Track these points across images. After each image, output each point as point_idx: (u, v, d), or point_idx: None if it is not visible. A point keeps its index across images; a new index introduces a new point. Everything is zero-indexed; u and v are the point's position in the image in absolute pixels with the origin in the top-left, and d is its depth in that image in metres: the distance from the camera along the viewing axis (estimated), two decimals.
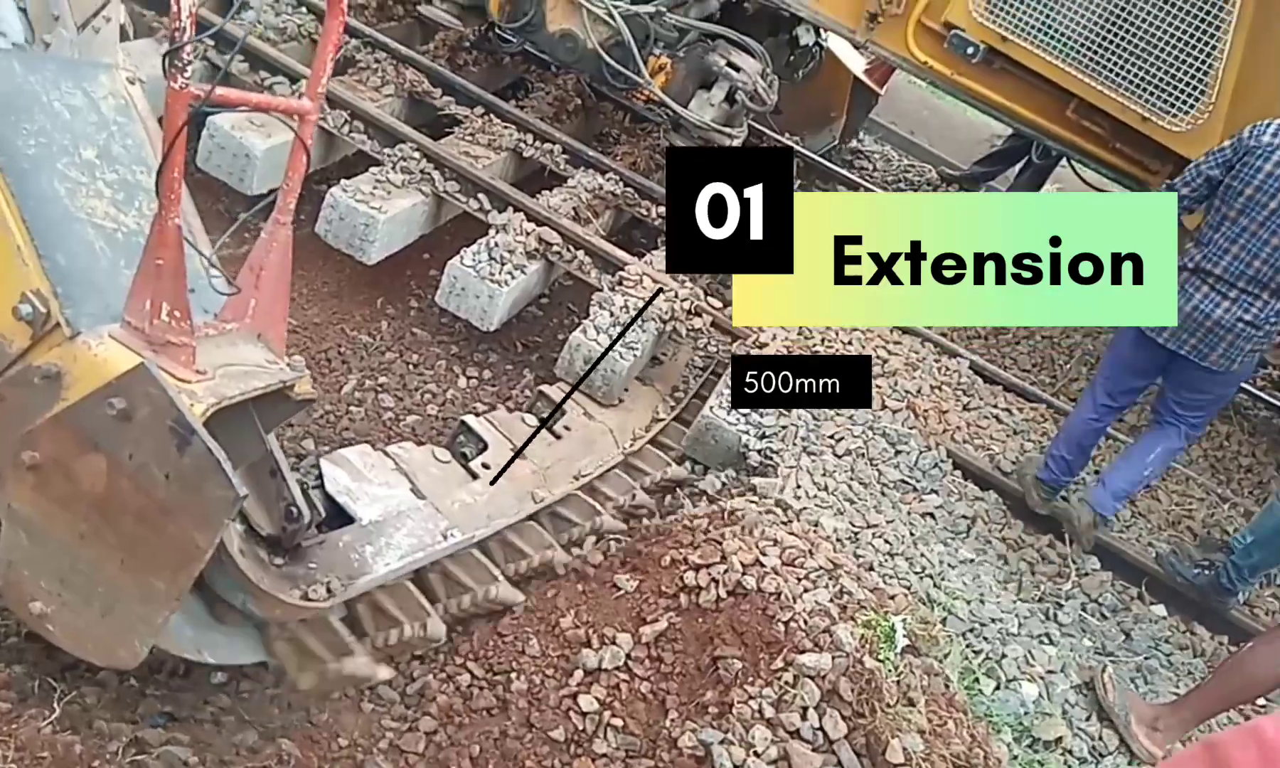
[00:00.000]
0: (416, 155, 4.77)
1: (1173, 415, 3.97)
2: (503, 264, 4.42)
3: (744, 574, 2.98)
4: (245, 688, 2.71)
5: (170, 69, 1.86)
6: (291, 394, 2.39)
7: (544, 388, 4.05)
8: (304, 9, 5.68)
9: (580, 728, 2.59)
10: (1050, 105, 5.37)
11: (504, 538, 3.26)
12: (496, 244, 4.48)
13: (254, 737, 2.47)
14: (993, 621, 3.36)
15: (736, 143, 5.67)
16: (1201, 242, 3.64)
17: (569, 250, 4.64)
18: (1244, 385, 5.09)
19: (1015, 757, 2.87)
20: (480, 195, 4.75)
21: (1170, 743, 3.05)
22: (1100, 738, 3.06)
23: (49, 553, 2.11)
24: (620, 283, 4.50)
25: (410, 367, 4.51)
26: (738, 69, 5.33)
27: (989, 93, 5.41)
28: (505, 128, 5.47)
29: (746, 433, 3.99)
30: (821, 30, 6.22)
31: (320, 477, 2.89)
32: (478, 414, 3.76)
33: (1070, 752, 2.97)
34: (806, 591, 2.99)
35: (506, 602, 3.05)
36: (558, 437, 3.83)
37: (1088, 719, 3.12)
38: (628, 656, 2.75)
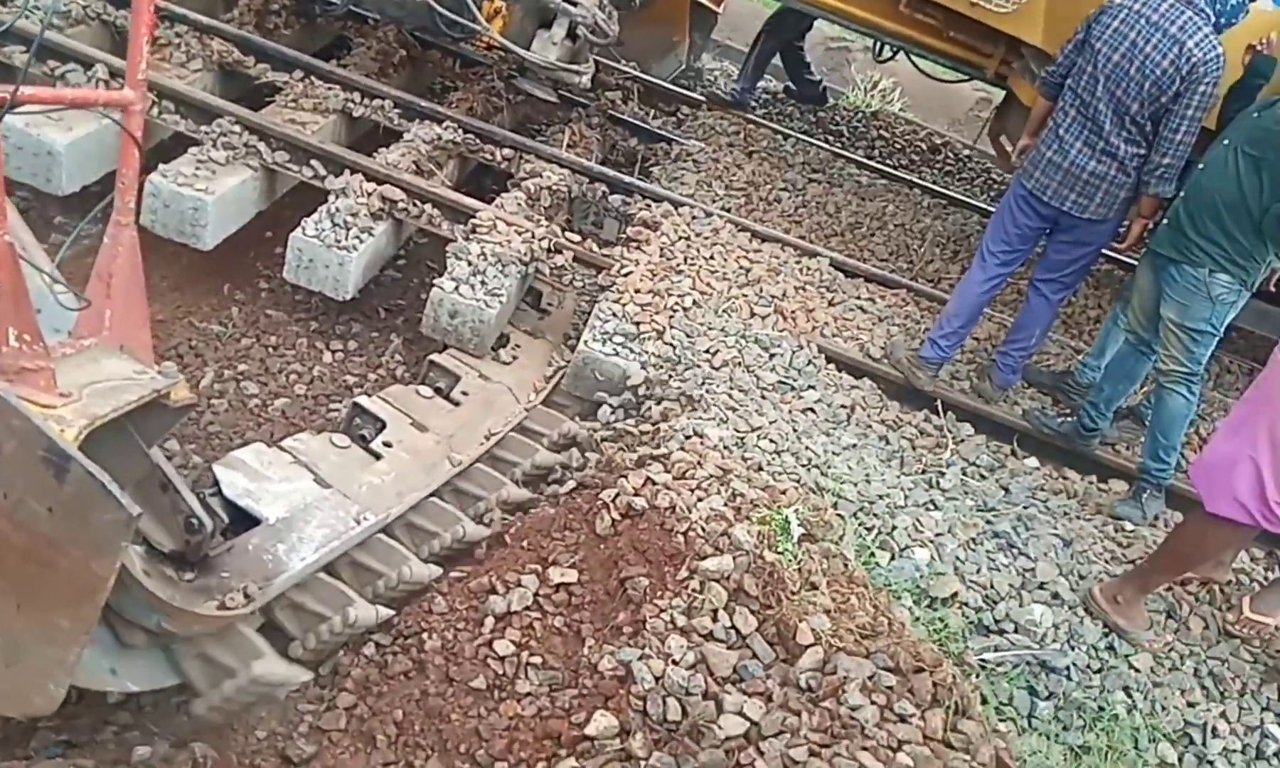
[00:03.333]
0: (237, 129, 4.47)
1: (1049, 284, 4.28)
2: (348, 229, 4.22)
3: (636, 495, 2.98)
4: (146, 700, 2.54)
5: None
6: (168, 402, 2.25)
7: (434, 357, 3.92)
8: None
9: (500, 672, 2.55)
10: (883, 4, 5.46)
11: (409, 522, 3.12)
12: (338, 209, 4.26)
13: (164, 747, 2.33)
14: (880, 497, 3.46)
15: (585, 80, 5.57)
16: (1071, 105, 3.95)
17: (415, 206, 4.46)
18: None
19: (917, 618, 2.99)
20: (313, 161, 4.50)
21: (1134, 609, 3.24)
22: (992, 587, 3.22)
23: None
24: (474, 231, 4.36)
25: (270, 350, 4.28)
26: (575, 3, 5.21)
27: None
28: (329, 89, 5.19)
29: (625, 360, 3.96)
30: None
31: (216, 483, 2.76)
32: (369, 394, 3.63)
33: (966, 604, 3.11)
34: (700, 500, 3.01)
35: (422, 581, 2.91)
36: (456, 404, 3.72)
37: (977, 573, 3.27)
38: (535, 594, 2.71)
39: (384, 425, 3.36)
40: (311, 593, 2.68)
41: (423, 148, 4.97)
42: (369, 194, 4.36)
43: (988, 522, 3.53)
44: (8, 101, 1.75)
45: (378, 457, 3.21)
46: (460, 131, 5.27)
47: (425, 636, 2.64)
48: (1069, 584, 3.30)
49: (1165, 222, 3.86)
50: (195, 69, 5.02)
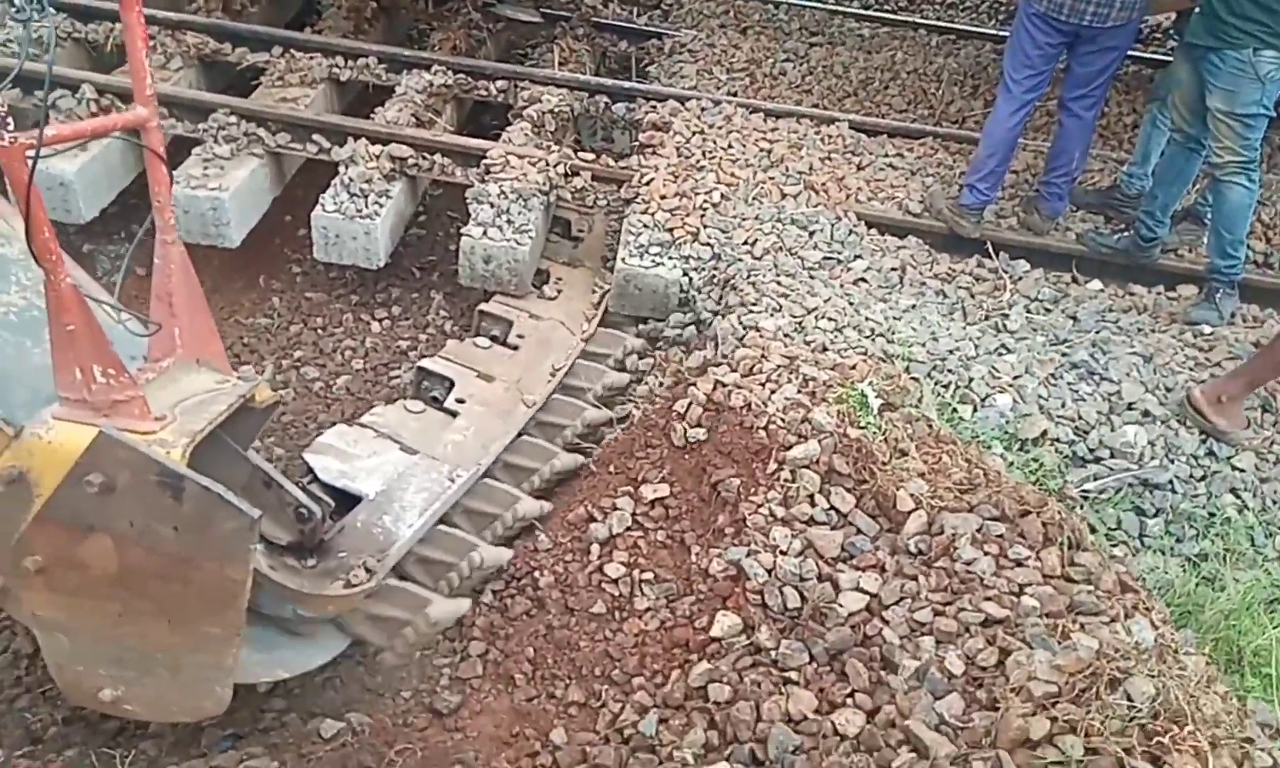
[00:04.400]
0: (234, 120, 4.39)
1: (1080, 101, 4.09)
2: (365, 197, 4.15)
3: (708, 401, 2.96)
4: (294, 683, 2.62)
5: None
6: (254, 404, 2.29)
7: (482, 307, 3.90)
8: (52, 9, 5.07)
9: (617, 594, 2.59)
10: None
11: (505, 463, 3.17)
12: (351, 179, 4.19)
13: (323, 723, 2.42)
14: (950, 352, 3.40)
15: None
16: None
17: (424, 158, 4.37)
18: None
19: (1011, 463, 2.96)
20: (315, 136, 4.41)
21: (1235, 408, 3.16)
22: (1080, 417, 3.17)
23: (93, 643, 2.05)
24: (488, 172, 4.27)
25: (319, 332, 4.29)
26: None
27: None
28: (311, 59, 5.07)
29: (666, 269, 3.89)
30: None
31: (310, 471, 2.82)
32: (426, 355, 3.64)
33: (1057, 439, 3.07)
34: (773, 391, 2.98)
35: (534, 515, 2.97)
36: (515, 348, 3.71)
37: (1062, 406, 3.21)
38: (633, 515, 2.72)
39: (452, 383, 3.37)
40: (438, 545, 2.75)
41: (417, 98, 4.85)
42: (377, 157, 4.28)
43: (1063, 354, 3.45)
44: (36, 146, 1.71)
45: (454, 414, 3.24)
46: (450, 73, 5.13)
47: (538, 574, 2.68)
48: (1157, 399, 3.23)
49: (1197, 11, 3.66)
50: (176, 68, 4.92)
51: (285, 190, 4.66)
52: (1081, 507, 2.87)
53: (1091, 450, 3.06)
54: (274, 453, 3.44)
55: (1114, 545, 2.79)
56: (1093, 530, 2.79)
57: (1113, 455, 3.04)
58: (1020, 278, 4.08)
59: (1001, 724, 1.92)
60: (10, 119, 1.69)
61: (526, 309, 3.96)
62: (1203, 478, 3.02)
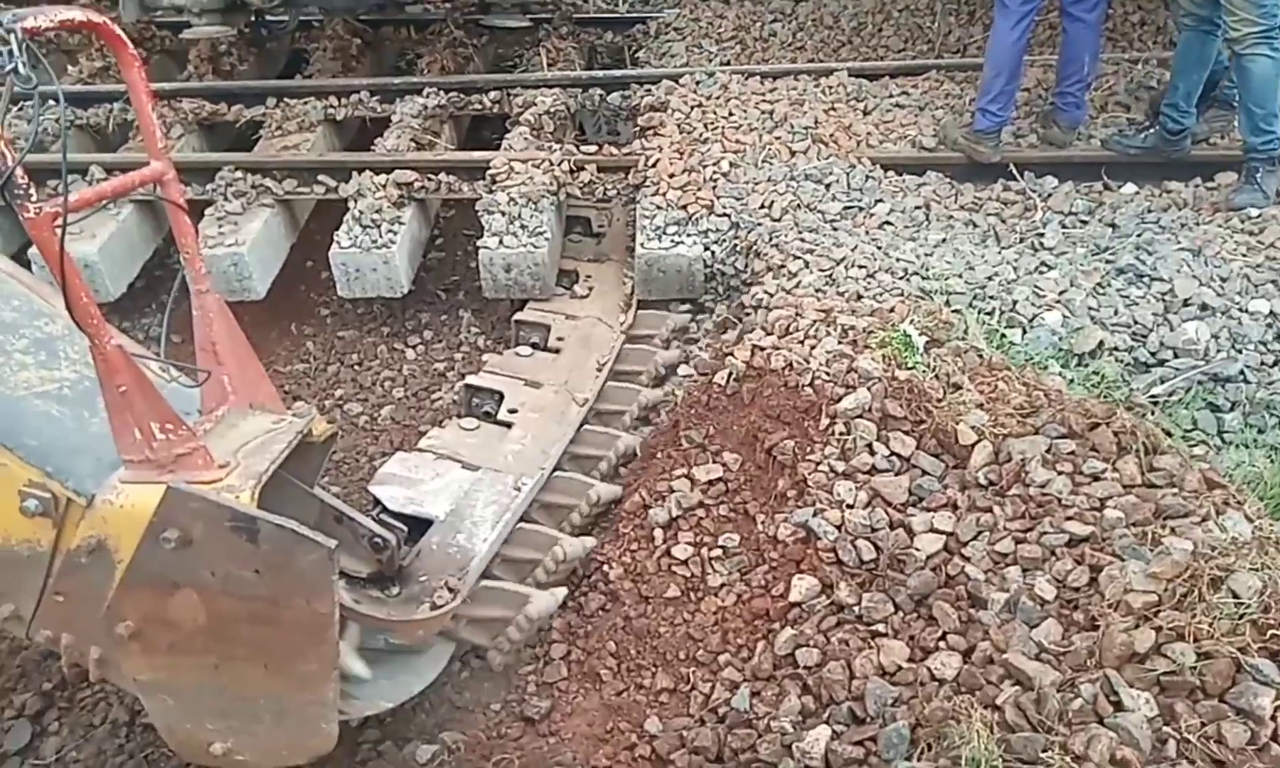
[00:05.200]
0: (240, 175, 4.41)
1: (1080, 4, 3.98)
2: (378, 227, 4.15)
3: (747, 367, 2.90)
4: (386, 714, 2.62)
5: (15, 200, 1.65)
6: (313, 439, 2.29)
7: (517, 316, 3.88)
8: (51, 101, 5.14)
9: (689, 575, 2.54)
10: None
11: (571, 454, 3.20)
12: (361, 212, 4.19)
13: (418, 747, 2.41)
14: (990, 279, 3.31)
15: None
16: None
17: (429, 180, 4.36)
18: None
19: (1071, 380, 2.86)
20: (320, 176, 4.42)
21: None
22: (1135, 322, 3.06)
23: (196, 698, 2.06)
24: (494, 181, 4.24)
25: (356, 368, 4.32)
26: None
27: None
28: (305, 104, 5.08)
29: (687, 247, 3.83)
30: None
31: (378, 502, 2.85)
32: (465, 373, 3.68)
33: (1115, 348, 2.96)
34: (813, 347, 2.92)
35: (610, 498, 2.98)
36: (557, 351, 3.69)
37: (1115, 314, 3.11)
38: (690, 494, 2.67)
39: (501, 396, 3.37)
40: (520, 543, 2.75)
41: (414, 123, 4.85)
42: (383, 186, 4.27)
43: (1107, 261, 3.35)
44: (63, 213, 1.71)
45: (509, 426, 3.23)
46: (442, 93, 5.12)
47: (607, 568, 2.64)
48: (1214, 292, 3.11)
49: None
50: (178, 136, 4.96)
51: (301, 236, 4.68)
52: (1152, 413, 2.76)
53: (1153, 354, 2.95)
54: (330, 491, 3.44)
55: (1193, 447, 2.68)
56: (1168, 435, 2.69)
57: (1176, 356, 2.93)
58: (1050, 194, 3.96)
59: (1104, 642, 1.85)
60: (33, 190, 1.67)
61: (562, 312, 3.93)
62: (1275, 363, 2.90)
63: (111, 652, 2.03)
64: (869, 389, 2.68)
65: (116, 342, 1.87)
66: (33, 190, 1.66)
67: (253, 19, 5.76)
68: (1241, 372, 2.83)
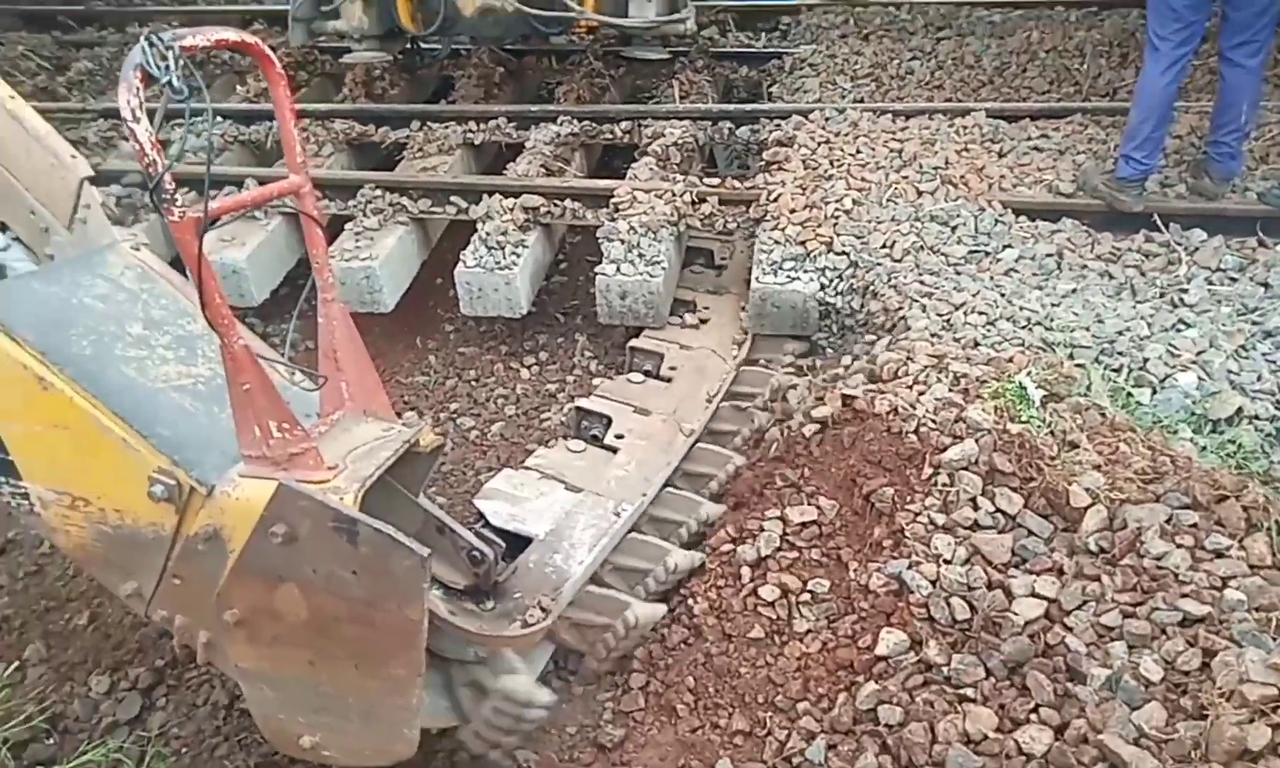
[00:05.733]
0: (380, 193, 4.67)
1: (1241, 48, 3.74)
2: (502, 249, 4.30)
3: (847, 409, 2.84)
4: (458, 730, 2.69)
5: (161, 205, 1.78)
6: (420, 449, 2.36)
7: (633, 343, 3.94)
8: (220, 118, 5.61)
9: (775, 617, 2.50)
10: None
11: (685, 472, 3.25)
12: (488, 234, 4.36)
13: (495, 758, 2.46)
14: (1120, 334, 3.13)
15: (690, 23, 5.46)
16: None
17: (554, 205, 4.49)
18: None
19: (1203, 447, 2.67)
20: (453, 198, 4.63)
21: None
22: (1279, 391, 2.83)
23: (292, 691, 2.15)
24: (617, 210, 4.34)
25: (473, 384, 4.48)
26: None
27: None
28: (446, 128, 5.33)
29: (803, 283, 3.80)
30: None
31: (481, 516, 2.93)
32: (574, 395, 3.76)
33: (1256, 416, 2.75)
34: (921, 393, 2.83)
35: (714, 518, 3.00)
36: (668, 381, 3.74)
37: (1258, 380, 2.88)
38: (781, 535, 2.63)
39: (610, 420, 3.42)
40: (632, 553, 2.80)
41: (545, 149, 5.01)
42: (510, 210, 4.43)
43: (1254, 324, 3.11)
44: (204, 219, 1.84)
45: (615, 450, 3.28)
46: (575, 122, 5.27)
47: (692, 601, 2.63)
48: None
49: None
50: (328, 154, 5.30)
51: (433, 254, 4.90)
52: None
53: None
54: (436, 502, 3.58)
55: None
56: None
57: None
58: (1196, 249, 3.72)
59: (1212, 734, 1.71)
60: (179, 196, 1.79)
61: (676, 341, 3.97)
62: None
63: (219, 637, 2.15)
64: (977, 441, 2.58)
65: (244, 342, 1.99)
66: (178, 196, 1.78)
67: (409, 46, 6.12)
68: None
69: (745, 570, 2.60)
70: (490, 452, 3.94)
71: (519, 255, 4.29)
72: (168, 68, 1.72)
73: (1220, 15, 3.79)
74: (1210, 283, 3.48)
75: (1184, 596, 2.06)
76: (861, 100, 5.29)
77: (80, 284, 2.40)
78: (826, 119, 4.81)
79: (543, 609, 2.48)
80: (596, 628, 2.60)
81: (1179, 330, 3.15)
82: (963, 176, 4.23)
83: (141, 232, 4.58)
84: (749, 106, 5.36)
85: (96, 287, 2.42)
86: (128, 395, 2.18)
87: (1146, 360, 2.97)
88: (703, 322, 4.12)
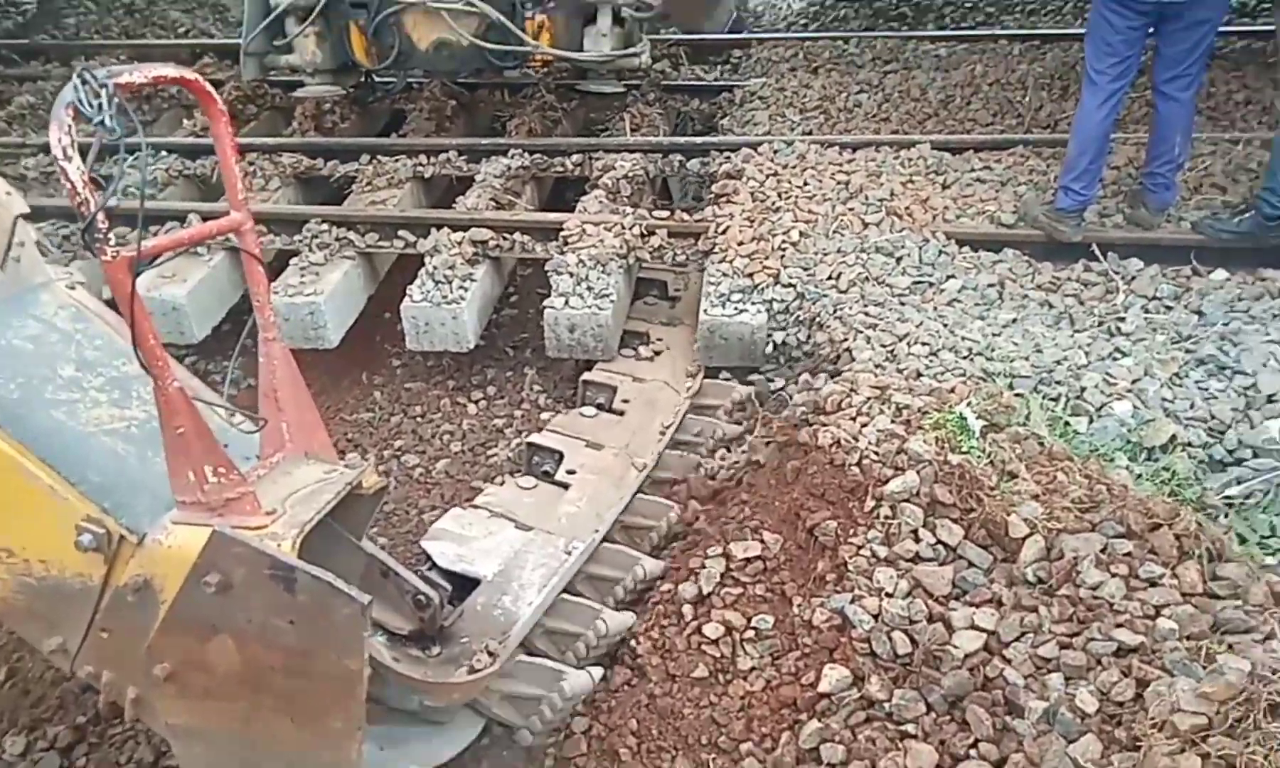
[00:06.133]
0: (326, 227, 4.61)
1: (1174, 83, 3.85)
2: (450, 283, 4.27)
3: (791, 443, 2.84)
4: None
5: (94, 244, 1.73)
6: (363, 491, 2.31)
7: (586, 376, 3.91)
8: (165, 153, 5.52)
9: (718, 655, 2.47)
10: None
11: (623, 525, 3.16)
12: (435, 267, 4.32)
13: None
14: (1058, 363, 3.17)
15: (646, 58, 5.50)
16: None
17: (503, 239, 4.47)
18: None
19: (1138, 475, 2.70)
20: (401, 232, 4.58)
21: None
22: (1212, 417, 2.88)
23: (225, 747, 2.07)
24: (566, 243, 4.33)
25: (418, 420, 4.41)
26: None
27: None
28: (395, 162, 5.30)
29: (751, 315, 3.81)
30: None
31: (427, 557, 2.87)
32: (522, 431, 3.71)
33: (1189, 443, 2.79)
34: (864, 425, 2.84)
35: (655, 575, 2.91)
36: (620, 414, 3.71)
37: (1191, 407, 2.93)
38: (723, 573, 2.61)
39: (562, 455, 3.38)
40: (563, 616, 2.72)
41: (495, 183, 4.99)
42: (459, 243, 4.40)
43: (1187, 351, 3.17)
44: (136, 258, 1.79)
45: (566, 486, 3.23)
46: (526, 155, 5.27)
47: (635, 642, 2.59)
48: None
49: None
50: (275, 188, 5.23)
51: (380, 288, 4.84)
52: (1226, 515, 2.58)
53: (1231, 452, 2.76)
54: (378, 543, 3.50)
55: (1269, 554, 2.48)
56: (1242, 540, 2.51)
57: (1256, 455, 2.73)
58: (1134, 277, 3.79)
59: (1145, 765, 1.71)
60: (112, 235, 1.75)
61: (629, 373, 3.95)
62: None
63: (148, 693, 2.07)
64: (918, 472, 2.59)
65: (179, 384, 1.93)
66: (111, 235, 1.73)
67: (362, 79, 6.09)
68: None
69: (687, 608, 2.57)
70: (435, 490, 3.88)
71: (467, 289, 4.26)
72: (101, 106, 1.69)
73: (1154, 51, 3.90)
74: (1147, 311, 3.55)
75: (1118, 625, 2.07)
76: (810, 132, 5.35)
77: (10, 325, 2.32)
78: (775, 151, 4.86)
79: (490, 654, 2.43)
80: (531, 700, 2.53)
81: (1115, 359, 3.20)
82: (907, 208, 4.29)
83: (78, 270, 4.48)
84: (699, 139, 5.40)
85: (28, 327, 2.35)
86: (56, 440, 2.11)
87: (1084, 389, 3.01)
88: (656, 354, 4.11)
